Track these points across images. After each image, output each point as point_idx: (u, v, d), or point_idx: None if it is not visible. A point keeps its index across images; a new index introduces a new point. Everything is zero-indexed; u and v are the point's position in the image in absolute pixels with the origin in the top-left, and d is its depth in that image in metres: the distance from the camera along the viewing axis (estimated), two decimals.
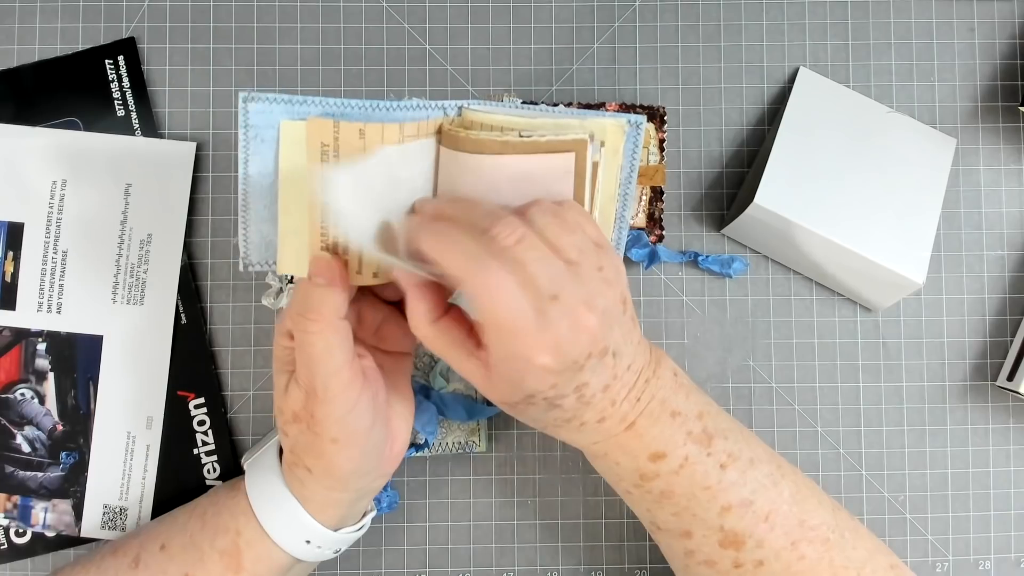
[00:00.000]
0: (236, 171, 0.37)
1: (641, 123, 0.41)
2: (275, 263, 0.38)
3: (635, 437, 0.38)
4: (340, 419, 0.37)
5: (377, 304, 0.41)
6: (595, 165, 0.38)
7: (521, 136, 0.36)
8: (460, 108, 0.38)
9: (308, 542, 0.40)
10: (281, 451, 0.41)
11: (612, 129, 0.39)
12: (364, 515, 0.44)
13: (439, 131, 0.38)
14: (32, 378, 0.49)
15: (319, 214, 0.36)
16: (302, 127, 0.36)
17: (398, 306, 0.41)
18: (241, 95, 0.35)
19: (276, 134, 0.36)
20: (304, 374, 0.37)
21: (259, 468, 0.41)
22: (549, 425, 0.38)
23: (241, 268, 0.38)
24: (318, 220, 0.36)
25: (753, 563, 0.38)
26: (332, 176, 0.35)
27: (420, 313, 0.35)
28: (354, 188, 0.36)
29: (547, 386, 0.34)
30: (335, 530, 0.41)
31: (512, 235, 0.33)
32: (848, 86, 0.52)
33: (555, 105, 0.38)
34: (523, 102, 0.43)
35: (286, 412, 0.39)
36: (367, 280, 0.38)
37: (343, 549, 0.43)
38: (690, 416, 0.38)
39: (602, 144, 0.39)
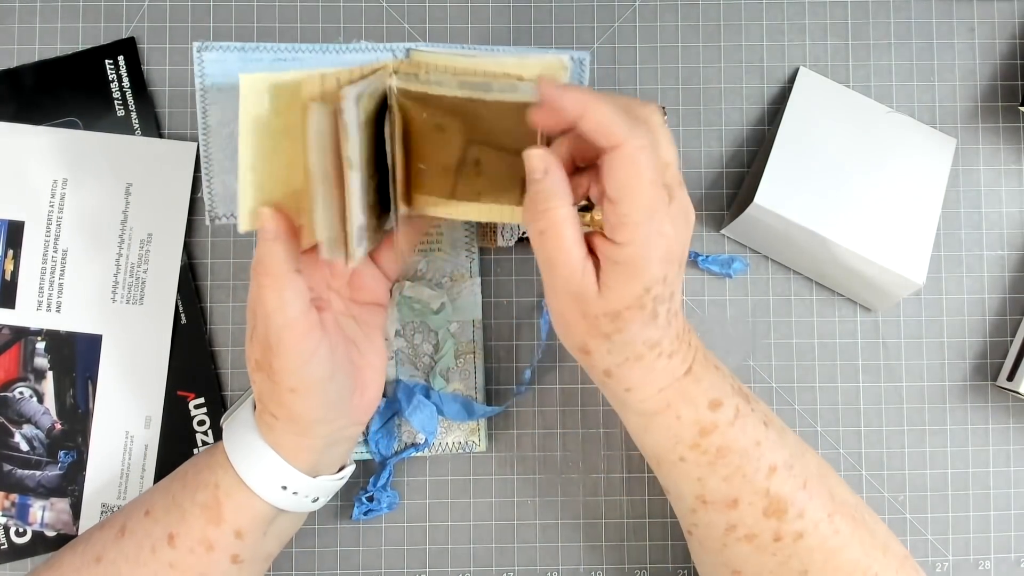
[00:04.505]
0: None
1: (584, 60, 0.40)
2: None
3: (694, 382, 0.37)
4: (296, 370, 0.37)
5: None
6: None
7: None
8: (408, 50, 0.39)
9: (284, 488, 0.40)
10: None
11: (553, 64, 0.38)
12: (343, 468, 0.43)
13: (395, 71, 0.38)
14: (31, 377, 0.49)
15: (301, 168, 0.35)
16: (262, 79, 0.35)
17: (371, 256, 0.42)
18: (196, 44, 0.36)
19: (234, 83, 0.36)
20: (260, 326, 0.37)
21: (234, 422, 0.41)
22: (631, 356, 0.36)
23: (208, 222, 0.39)
24: (294, 176, 0.36)
25: (793, 535, 0.37)
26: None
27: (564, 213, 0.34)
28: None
29: (660, 277, 0.34)
30: (312, 477, 0.41)
31: (653, 117, 0.35)
32: (848, 86, 0.52)
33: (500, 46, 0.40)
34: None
35: (250, 360, 0.39)
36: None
37: (322, 500, 0.42)
38: (725, 370, 0.39)
39: None
